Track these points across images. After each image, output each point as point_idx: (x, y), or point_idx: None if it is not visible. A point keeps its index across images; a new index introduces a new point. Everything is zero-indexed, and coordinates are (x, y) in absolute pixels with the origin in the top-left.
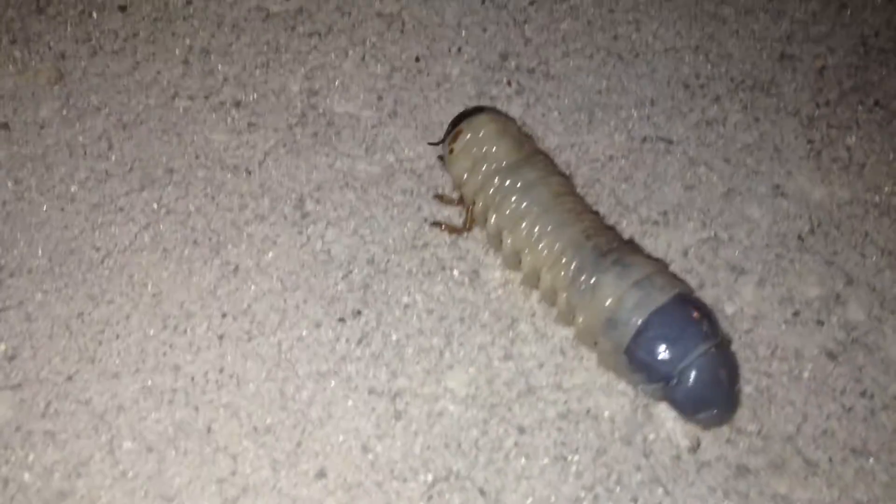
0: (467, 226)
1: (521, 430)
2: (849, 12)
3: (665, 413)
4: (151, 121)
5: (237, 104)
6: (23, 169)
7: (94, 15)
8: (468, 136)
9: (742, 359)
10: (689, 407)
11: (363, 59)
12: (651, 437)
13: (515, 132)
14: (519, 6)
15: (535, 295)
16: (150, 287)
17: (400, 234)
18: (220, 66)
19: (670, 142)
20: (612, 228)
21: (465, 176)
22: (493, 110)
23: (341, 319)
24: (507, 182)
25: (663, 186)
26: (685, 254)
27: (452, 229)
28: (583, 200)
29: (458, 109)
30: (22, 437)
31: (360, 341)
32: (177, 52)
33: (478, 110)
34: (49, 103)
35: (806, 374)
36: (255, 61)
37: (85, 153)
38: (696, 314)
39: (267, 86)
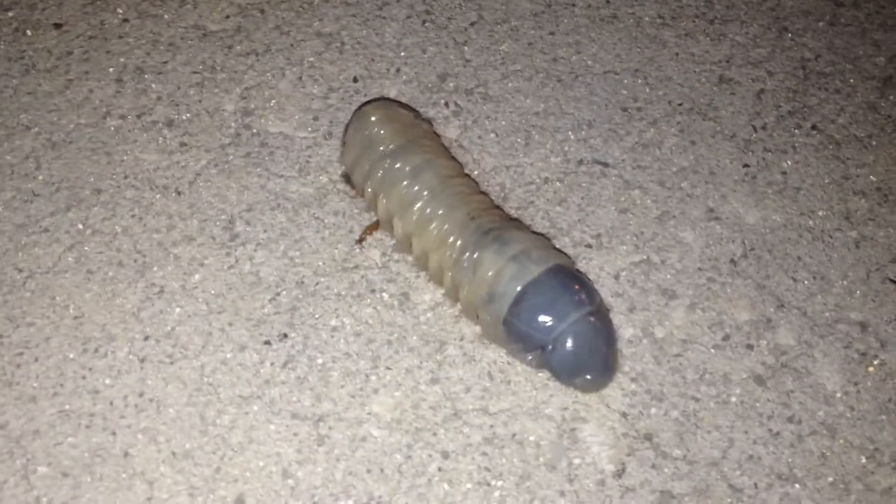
0: (378, 220)
1: (446, 455)
2: (789, 36)
3: (591, 437)
4: (81, 140)
5: (170, 124)
6: None
7: (29, 32)
8: (356, 124)
9: (670, 383)
10: (564, 372)
11: (300, 78)
12: (576, 461)
13: (403, 118)
14: (459, 27)
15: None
16: (71, 309)
17: (330, 255)
18: (153, 85)
19: (606, 165)
20: (498, 208)
21: (356, 167)
22: (385, 100)
23: (267, 342)
24: (396, 166)
25: (598, 209)
26: (616, 277)
27: (371, 229)
28: (471, 181)
29: None
30: None
31: (285, 364)
32: (111, 70)
33: (368, 104)
34: None
35: (734, 399)
36: (189, 80)
37: (12, 173)
38: (570, 284)
39: (201, 105)
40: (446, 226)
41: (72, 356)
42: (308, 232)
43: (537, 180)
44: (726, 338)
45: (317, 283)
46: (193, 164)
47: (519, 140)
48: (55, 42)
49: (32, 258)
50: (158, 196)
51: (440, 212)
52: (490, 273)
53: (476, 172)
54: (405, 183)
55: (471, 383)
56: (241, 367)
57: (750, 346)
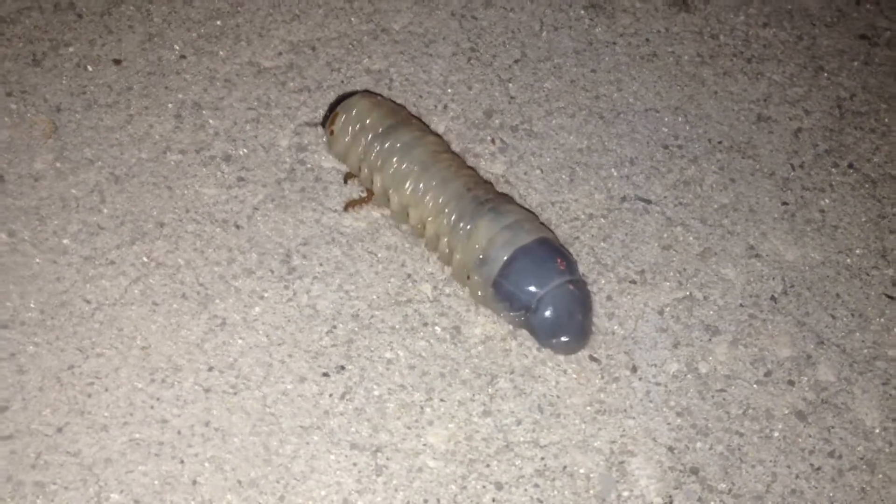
0: (369, 194)
1: (499, 487)
2: (825, 75)
3: (639, 470)
4: (143, 174)
5: (227, 158)
6: (17, 221)
7: (90, 68)
8: (343, 116)
9: (714, 418)
10: (544, 333)
11: None
12: (625, 494)
13: (387, 104)
14: (504, 65)
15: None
16: (139, 340)
17: (384, 289)
18: (211, 121)
19: (648, 201)
20: (488, 182)
21: (348, 152)
22: (364, 91)
23: (325, 374)
24: (387, 144)
25: (641, 246)
26: (661, 313)
27: (361, 202)
28: (458, 157)
29: None
30: (13, 488)
31: (343, 396)
32: (169, 106)
33: (348, 95)
34: (43, 156)
35: (776, 434)
36: (245, 116)
37: (78, 206)
38: (555, 255)
39: (257, 140)
40: (442, 197)
41: (140, 386)
42: (362, 266)
43: (582, 216)
44: (768, 374)
45: (371, 316)
46: (251, 198)
47: (564, 176)
48: (115, 77)
49: (100, 290)
50: (218, 230)
51: (434, 183)
52: (484, 239)
53: None
54: (397, 158)
55: (522, 416)
56: (302, 398)
57: (791, 382)
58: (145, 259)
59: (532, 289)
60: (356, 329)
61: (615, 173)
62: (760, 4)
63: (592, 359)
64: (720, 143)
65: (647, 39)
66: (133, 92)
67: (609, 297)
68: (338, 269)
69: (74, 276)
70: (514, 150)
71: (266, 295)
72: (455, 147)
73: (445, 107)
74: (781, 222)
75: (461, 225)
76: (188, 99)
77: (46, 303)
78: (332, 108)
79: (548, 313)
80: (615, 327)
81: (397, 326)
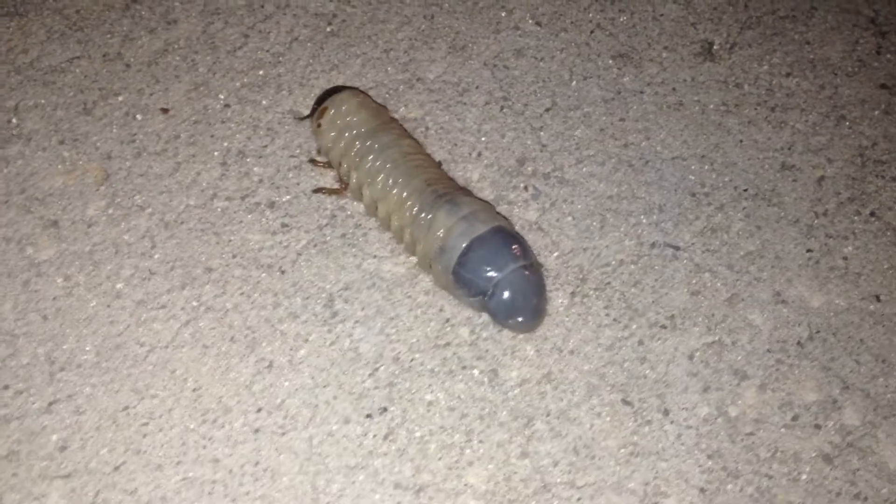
0: (342, 185)
1: None
2: (847, 124)
3: None
4: (191, 221)
5: (271, 205)
6: (71, 266)
7: (139, 117)
8: (332, 111)
9: (744, 461)
10: (500, 315)
11: None
12: None
13: (372, 105)
14: (535, 113)
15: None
16: (190, 382)
17: (423, 333)
18: (255, 168)
19: (677, 248)
20: (451, 179)
21: (332, 144)
22: (352, 89)
23: (369, 415)
24: (367, 144)
25: (671, 291)
26: (691, 357)
27: (332, 191)
28: (429, 157)
29: None
30: None
31: (386, 437)
32: (215, 153)
33: (338, 89)
34: (96, 202)
35: (804, 477)
36: (288, 163)
37: (130, 251)
38: (509, 242)
39: (299, 187)
40: (405, 192)
41: (192, 426)
42: (402, 310)
43: (613, 262)
44: (795, 417)
45: (412, 360)
46: (294, 244)
47: (594, 223)
48: (163, 126)
49: (152, 333)
50: (264, 275)
51: (400, 180)
52: (442, 230)
53: (555, 254)
54: (372, 157)
55: (558, 458)
56: (347, 439)
57: (818, 426)
58: (195, 303)
59: (487, 275)
60: (397, 372)
61: (644, 220)
62: (783, 54)
63: (625, 402)
64: (746, 190)
65: (674, 88)
66: (180, 140)
67: (640, 342)
68: (378, 314)
69: (128, 320)
70: (546, 198)
71: (310, 338)
72: (489, 194)
73: (479, 154)
74: (806, 269)
75: (422, 216)
76: (233, 147)
77: (102, 345)
78: (321, 101)
79: (503, 297)
80: (647, 371)
81: (437, 369)
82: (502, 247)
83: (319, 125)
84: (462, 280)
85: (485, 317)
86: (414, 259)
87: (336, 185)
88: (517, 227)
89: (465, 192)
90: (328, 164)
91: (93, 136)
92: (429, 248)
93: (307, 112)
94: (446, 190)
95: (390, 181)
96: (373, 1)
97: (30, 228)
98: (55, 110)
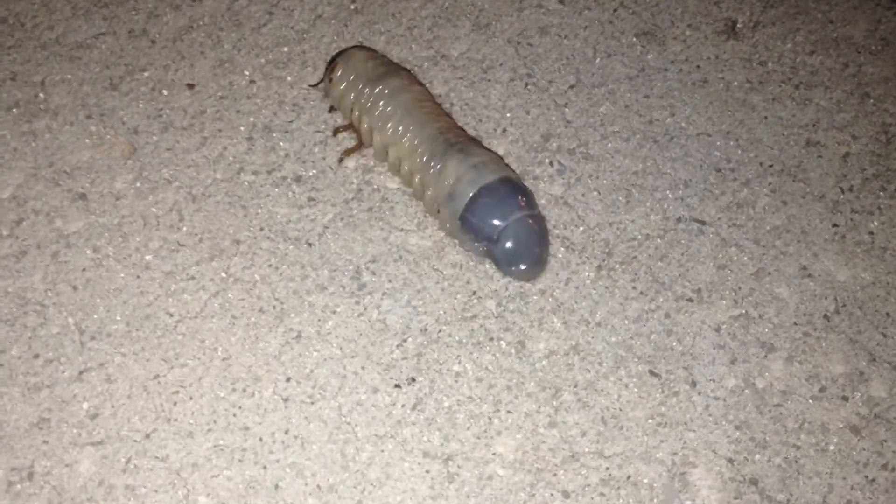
0: (360, 141)
1: (566, 495)
2: (871, 102)
3: (700, 481)
4: (219, 194)
5: (298, 179)
6: (101, 238)
7: (164, 92)
8: (341, 66)
9: (772, 431)
10: (504, 261)
11: None
12: (687, 503)
13: (380, 56)
14: (560, 90)
15: (399, 180)
16: (219, 352)
17: (451, 305)
18: (281, 143)
19: (703, 223)
20: (461, 128)
21: (343, 96)
22: (360, 45)
23: (397, 385)
24: (377, 89)
25: (697, 265)
26: (718, 330)
27: (352, 149)
28: (439, 106)
29: None
30: (104, 491)
31: (414, 407)
32: (241, 129)
33: (342, 52)
34: (123, 176)
35: (832, 448)
36: (314, 139)
37: (158, 224)
38: (516, 192)
39: (325, 162)
40: (418, 138)
41: (222, 395)
42: (429, 282)
43: (639, 237)
44: (822, 389)
45: (439, 331)
46: (321, 217)
47: (620, 198)
48: (189, 101)
49: (182, 304)
50: (291, 247)
51: (412, 127)
52: (452, 177)
53: (581, 229)
54: (383, 102)
55: (586, 428)
56: (375, 408)
57: (845, 398)
58: (223, 275)
59: (494, 222)
60: (425, 343)
61: (670, 195)
62: (807, 33)
63: (653, 374)
64: (771, 166)
65: (698, 66)
66: (206, 115)
67: (667, 315)
68: (406, 286)
69: (157, 291)
70: (571, 173)
71: (338, 310)
72: (515, 169)
73: (504, 130)
74: (832, 244)
75: (433, 164)
76: (259, 122)
77: (132, 315)
78: (332, 61)
79: (508, 244)
80: (674, 343)
81: (464, 341)
82: (509, 196)
83: (331, 80)
84: (469, 225)
85: (511, 289)
86: (424, 207)
87: (354, 143)
88: (542, 202)
89: (476, 142)
90: (349, 127)
91: (119, 110)
92: (438, 193)
93: (317, 79)
94: (458, 139)
95: (401, 127)
96: None
97: (58, 201)
98: (82, 85)
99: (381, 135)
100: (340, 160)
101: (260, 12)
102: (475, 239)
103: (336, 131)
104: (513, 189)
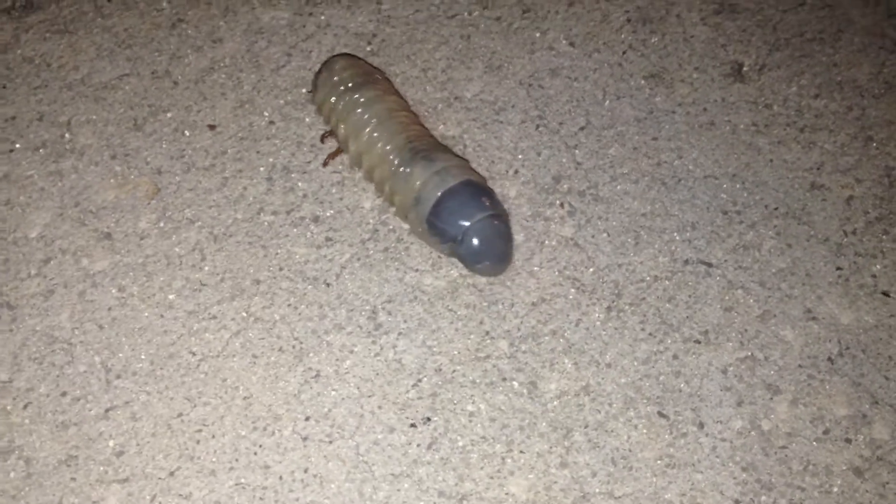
0: (340, 144)
1: None
2: (875, 145)
3: None
4: (239, 234)
5: (316, 220)
6: (126, 277)
7: (187, 133)
8: (324, 72)
9: (777, 473)
10: (469, 259)
11: None
12: None
13: (361, 65)
14: (570, 131)
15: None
16: (241, 390)
17: (464, 345)
18: (300, 184)
19: (710, 265)
20: (431, 136)
21: (323, 102)
22: (345, 53)
23: (413, 425)
24: (354, 97)
25: (704, 307)
26: (724, 372)
27: (334, 154)
28: (412, 115)
29: (517, 229)
30: None
31: (429, 446)
32: (261, 169)
33: (331, 58)
34: (147, 215)
35: (835, 489)
36: (331, 179)
37: (181, 263)
38: (477, 194)
39: (342, 202)
40: (388, 146)
41: (244, 433)
42: (443, 322)
43: (648, 278)
44: (826, 431)
45: (453, 371)
46: (338, 257)
47: (629, 240)
48: (210, 142)
49: (204, 343)
50: (310, 287)
51: (384, 135)
52: (418, 183)
53: (591, 270)
54: (359, 111)
55: (596, 468)
56: (392, 448)
57: (848, 440)
58: (244, 314)
59: (457, 224)
60: (440, 382)
61: (678, 237)
62: (812, 76)
63: (661, 415)
64: (776, 209)
65: (705, 109)
66: (227, 156)
67: (675, 356)
68: (421, 326)
69: (180, 330)
70: (581, 215)
71: (355, 349)
72: (526, 210)
73: (516, 172)
74: (836, 286)
75: (400, 171)
76: (278, 162)
77: (156, 354)
78: (318, 73)
79: (471, 244)
80: (682, 385)
81: (478, 381)
82: (471, 198)
83: (315, 87)
84: (435, 228)
85: (523, 329)
86: (395, 208)
87: (336, 147)
88: (553, 244)
89: (443, 148)
90: (331, 133)
91: (143, 151)
92: (406, 199)
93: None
94: (423, 146)
95: (374, 135)
96: (411, 21)
97: (84, 240)
98: (106, 126)
99: (357, 143)
100: (325, 164)
101: (279, 54)
102: (442, 241)
103: (322, 138)
104: (474, 191)
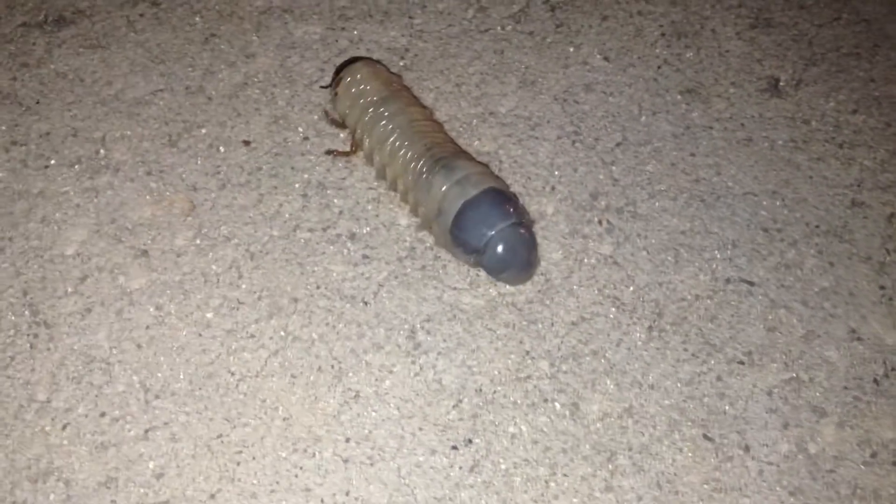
0: (353, 149)
1: None
2: None
3: None
4: (276, 252)
5: (352, 237)
6: (163, 295)
7: (222, 149)
8: (348, 79)
9: (825, 498)
10: (493, 269)
11: None
12: None
13: (385, 74)
14: (606, 148)
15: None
16: (280, 411)
17: (504, 365)
18: (335, 200)
19: (752, 284)
20: (452, 143)
21: (348, 111)
22: (367, 59)
23: (454, 447)
24: (378, 111)
25: (747, 327)
26: (769, 394)
27: (342, 153)
28: (434, 123)
29: (555, 247)
30: None
31: (472, 469)
32: (296, 185)
33: (355, 59)
34: (184, 233)
35: None
36: (366, 196)
37: (218, 281)
38: (499, 203)
39: (378, 219)
40: (409, 155)
41: (284, 455)
42: (483, 342)
43: (689, 297)
44: (874, 455)
45: (494, 392)
46: (376, 275)
47: (669, 258)
48: (245, 158)
49: (242, 362)
50: (348, 305)
51: (405, 145)
52: (439, 193)
53: (631, 289)
54: (383, 123)
55: (641, 492)
56: (434, 470)
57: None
58: (282, 333)
59: (479, 235)
60: (480, 403)
61: (718, 255)
62: (849, 91)
63: (706, 437)
64: (817, 227)
65: (742, 124)
66: (262, 172)
67: (719, 378)
68: (460, 345)
69: (219, 349)
70: (620, 232)
71: (395, 369)
72: (563, 227)
73: (553, 188)
74: (880, 306)
75: (422, 180)
76: (313, 179)
77: (194, 374)
78: (339, 71)
79: (493, 253)
80: (726, 407)
81: (519, 402)
82: (493, 207)
83: (337, 93)
84: (458, 239)
85: (563, 349)
86: (418, 220)
87: (347, 148)
88: (592, 262)
89: (464, 155)
90: (341, 124)
91: (178, 167)
92: (429, 210)
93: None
94: (443, 154)
95: (395, 146)
96: (444, 35)
97: (121, 258)
98: (141, 142)
99: (380, 155)
100: (330, 153)
101: (311, 69)
102: (465, 251)
103: (326, 115)
104: (496, 200)
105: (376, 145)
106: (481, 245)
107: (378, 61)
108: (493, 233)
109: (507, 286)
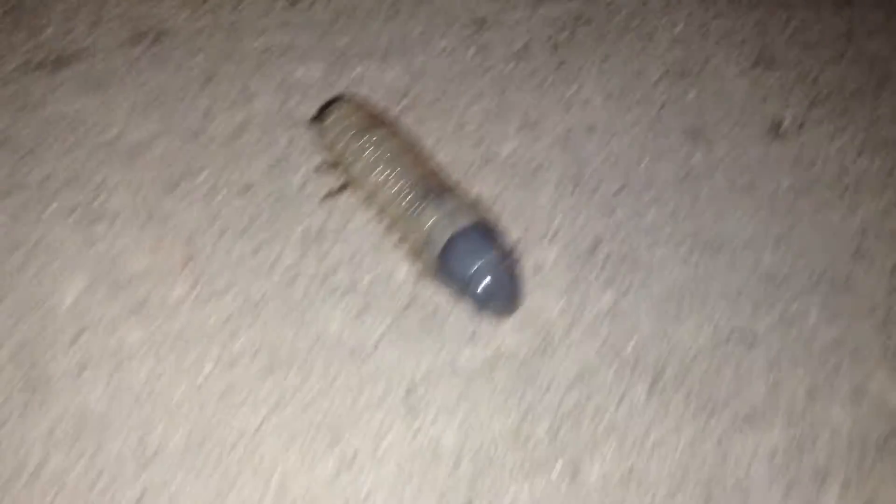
0: (344, 184)
1: None
2: None
3: None
4: (275, 302)
5: (352, 287)
6: (160, 348)
7: (221, 195)
8: (334, 114)
9: None
10: (479, 301)
11: None
12: None
13: (368, 108)
14: (608, 192)
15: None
16: (278, 473)
17: (504, 426)
18: (335, 248)
19: (755, 336)
20: (438, 176)
21: (333, 143)
22: (350, 97)
23: None
24: (364, 138)
25: (750, 383)
26: (773, 455)
27: (335, 192)
28: (420, 154)
29: (555, 298)
30: None
31: None
32: (297, 231)
33: (338, 98)
34: (181, 283)
35: None
36: (366, 243)
37: (215, 334)
38: (486, 235)
39: (378, 269)
40: (396, 188)
41: None
42: (481, 400)
43: (691, 351)
44: None
45: (493, 453)
46: (375, 328)
47: (671, 309)
48: (245, 203)
49: (240, 420)
50: (346, 359)
51: (392, 177)
52: (427, 225)
53: (632, 342)
54: (367, 154)
55: None
56: None
57: None
58: (280, 390)
59: (465, 267)
60: (479, 465)
61: (721, 306)
62: (853, 132)
63: (709, 500)
64: (821, 276)
65: (745, 168)
66: (262, 219)
67: (722, 437)
68: (459, 403)
69: (216, 406)
70: (622, 282)
71: (393, 428)
72: (565, 278)
73: (555, 235)
74: (884, 362)
75: (411, 210)
76: (313, 225)
77: (192, 431)
78: (323, 109)
79: (479, 286)
80: (729, 468)
81: (518, 463)
82: (478, 240)
83: (324, 127)
84: (445, 270)
85: (564, 407)
86: (406, 248)
87: (338, 185)
88: (593, 313)
89: (451, 188)
90: (334, 165)
91: (177, 214)
92: (417, 241)
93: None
94: (432, 187)
95: (383, 177)
96: (445, 75)
97: (118, 310)
98: (140, 187)
99: (368, 184)
100: (325, 198)
101: (312, 110)
102: (451, 282)
103: (322, 168)
104: (482, 233)
105: (364, 174)
106: (467, 277)
107: (360, 98)
108: (479, 265)
109: (506, 339)
